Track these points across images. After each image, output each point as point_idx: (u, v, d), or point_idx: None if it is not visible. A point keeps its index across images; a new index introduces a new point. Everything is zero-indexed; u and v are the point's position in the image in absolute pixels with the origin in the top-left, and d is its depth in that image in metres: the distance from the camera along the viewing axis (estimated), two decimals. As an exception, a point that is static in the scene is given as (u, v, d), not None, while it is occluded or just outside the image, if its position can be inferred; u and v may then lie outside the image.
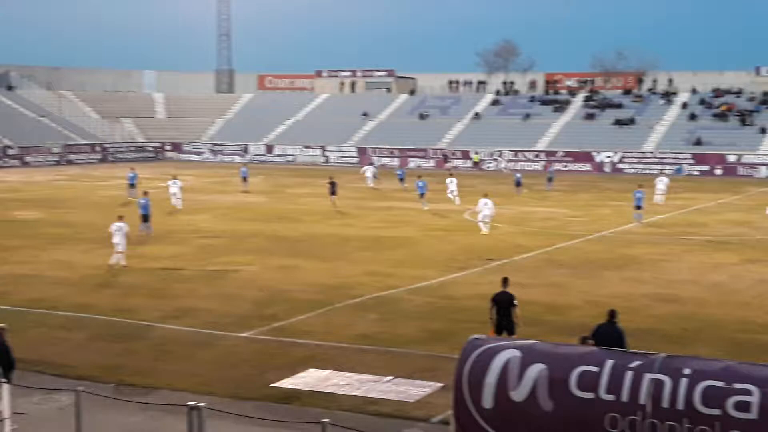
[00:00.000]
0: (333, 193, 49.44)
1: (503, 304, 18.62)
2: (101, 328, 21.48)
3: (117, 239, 29.69)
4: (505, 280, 19.31)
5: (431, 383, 17.13)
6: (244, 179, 59.90)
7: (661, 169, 70.15)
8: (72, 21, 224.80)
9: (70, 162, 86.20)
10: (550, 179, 62.83)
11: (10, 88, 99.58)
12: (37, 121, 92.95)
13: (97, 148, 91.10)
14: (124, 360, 18.85)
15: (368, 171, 62.80)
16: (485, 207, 38.77)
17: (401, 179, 61.19)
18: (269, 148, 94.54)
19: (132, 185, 52.45)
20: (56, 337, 20.62)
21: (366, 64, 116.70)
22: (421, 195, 49.79)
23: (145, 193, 39.05)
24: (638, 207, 43.14)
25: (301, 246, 34.34)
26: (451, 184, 50.79)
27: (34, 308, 23.34)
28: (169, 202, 47.27)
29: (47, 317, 22.49)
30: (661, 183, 53.09)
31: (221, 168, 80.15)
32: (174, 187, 48.13)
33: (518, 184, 59.37)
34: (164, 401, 15.47)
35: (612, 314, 15.78)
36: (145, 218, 37.15)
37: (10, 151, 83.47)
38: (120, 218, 30.57)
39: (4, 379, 13.26)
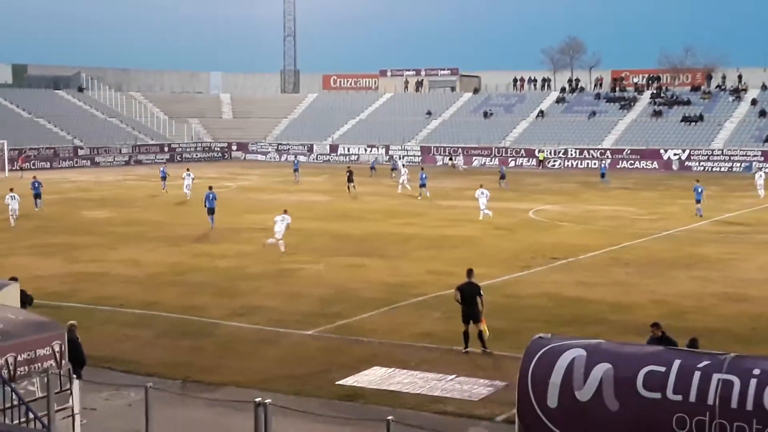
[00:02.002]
0: (350, 180, 54.97)
1: (468, 295, 19.40)
2: (168, 326, 21.81)
3: (278, 227, 32.52)
4: (469, 272, 20.03)
5: (495, 382, 17.06)
6: (296, 171, 62.86)
7: (760, 167, 68.15)
8: (141, 24, 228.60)
9: (138, 162, 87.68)
10: (502, 177, 62.00)
11: (80, 89, 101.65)
12: (106, 121, 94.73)
13: (165, 149, 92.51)
14: (190, 357, 19.11)
15: (404, 174, 58.47)
16: (482, 195, 41.99)
17: (423, 185, 53.66)
18: (333, 148, 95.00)
19: (164, 178, 57.72)
20: (125, 334, 20.99)
21: (430, 63, 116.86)
22: (422, 186, 53.11)
23: (210, 188, 40.76)
24: (698, 201, 43.50)
25: (365, 244, 34.44)
26: (482, 196, 43.17)
27: (103, 306, 23.78)
28: (186, 193, 51.46)
29: (116, 314, 22.91)
30: (761, 178, 54.11)
31: (286, 167, 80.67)
32: (188, 179, 51.90)
33: (503, 176, 61.36)
34: (230, 398, 15.64)
35: None
36: (211, 211, 39.01)
37: (81, 152, 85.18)
38: (285, 211, 33.85)
39: (74, 376, 13.52)
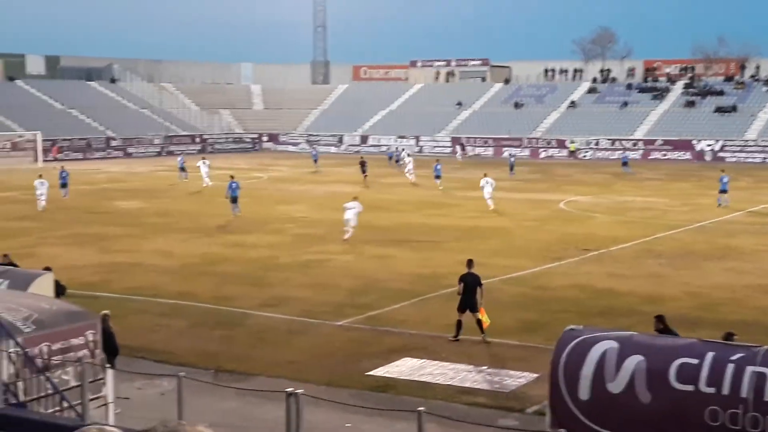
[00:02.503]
0: (363, 172, 56.81)
1: (469, 284, 19.73)
2: (201, 316, 21.95)
3: (348, 215, 33.19)
4: (470, 262, 20.43)
5: (526, 374, 17.03)
6: (315, 161, 63.80)
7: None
8: (173, 16, 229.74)
9: (170, 153, 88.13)
10: (511, 167, 62.70)
11: (113, 80, 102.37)
12: (139, 112, 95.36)
13: (197, 139, 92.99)
14: (222, 347, 19.23)
15: (410, 164, 58.86)
16: (487, 184, 41.83)
17: (438, 176, 53.73)
18: (364, 139, 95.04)
19: (182, 168, 58.79)
20: (158, 324, 21.15)
21: (461, 53, 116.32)
22: (437, 177, 53.54)
23: (232, 177, 41.65)
24: (723, 191, 43.52)
25: (395, 235, 34.44)
26: (487, 185, 43.52)
27: (136, 296, 23.97)
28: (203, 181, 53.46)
29: (149, 304, 23.08)
30: None
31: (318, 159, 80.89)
32: (204, 167, 53.95)
33: (512, 167, 62.23)
34: (261, 388, 15.72)
35: None
36: (235, 200, 40.03)
37: (114, 143, 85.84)
38: (354, 198, 34.35)
39: (108, 365, 13.65)
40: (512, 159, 64.51)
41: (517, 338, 19.68)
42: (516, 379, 16.87)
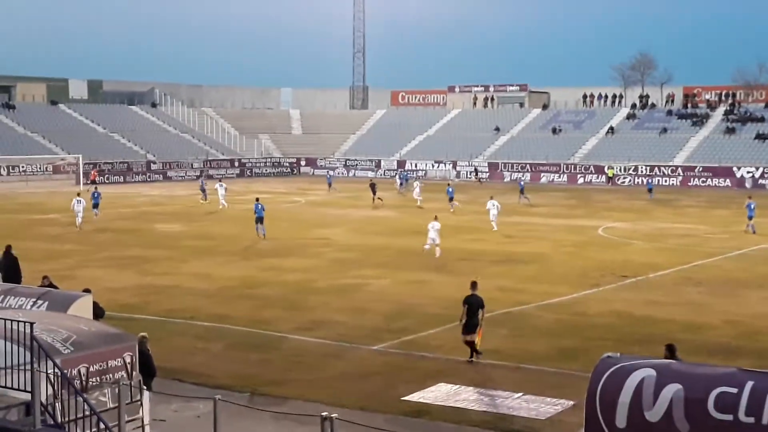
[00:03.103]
0: (374, 193, 58.66)
1: (474, 306, 20.07)
2: (238, 339, 22.04)
3: (432, 234, 35.41)
4: (474, 284, 20.76)
5: (562, 401, 16.90)
6: (329, 185, 64.55)
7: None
8: (213, 41, 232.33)
9: (209, 177, 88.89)
10: (522, 191, 62.01)
11: (154, 105, 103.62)
12: (179, 137, 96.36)
13: (236, 163, 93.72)
14: (258, 370, 19.28)
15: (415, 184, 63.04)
16: (493, 207, 42.01)
17: (451, 198, 55.73)
18: (401, 163, 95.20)
19: (203, 190, 60.61)
20: (195, 347, 21.26)
21: (499, 79, 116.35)
22: (451, 199, 55.52)
23: (257, 199, 43.02)
24: (750, 218, 43.99)
25: (431, 260, 34.39)
26: (493, 208, 44.70)
27: (174, 318, 24.14)
28: (220, 202, 55.54)
29: (186, 327, 23.23)
30: None
31: (354, 183, 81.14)
32: (221, 189, 56.20)
33: (522, 191, 61.37)
34: (297, 411, 15.74)
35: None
36: (260, 220, 41.30)
37: (154, 166, 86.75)
38: (435, 218, 36.97)
39: (144, 387, 13.74)
40: (522, 184, 64.33)
41: (554, 365, 19.54)
42: (552, 406, 16.74)
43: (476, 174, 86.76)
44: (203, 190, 61.07)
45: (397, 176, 77.43)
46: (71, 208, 45.59)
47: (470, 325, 19.97)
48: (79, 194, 47.54)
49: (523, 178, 73.97)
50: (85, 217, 45.68)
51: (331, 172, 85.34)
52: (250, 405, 16.16)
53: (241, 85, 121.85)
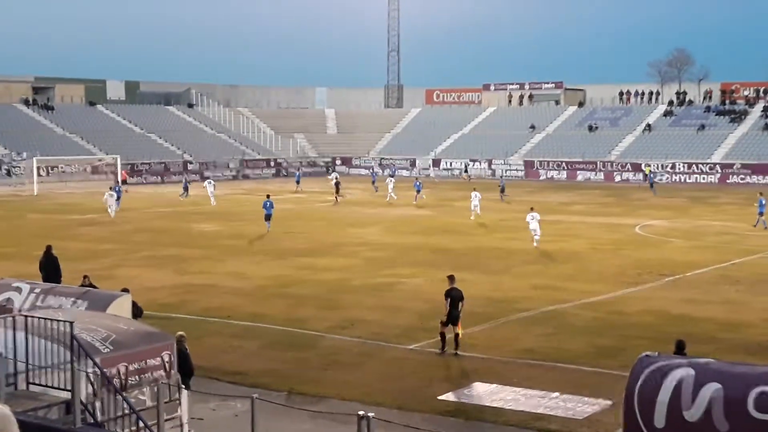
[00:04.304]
0: (337, 191, 60.44)
1: (455, 299, 20.53)
2: (274, 337, 22.14)
3: (533, 225, 37.36)
4: (451, 278, 21.31)
5: (600, 400, 16.80)
6: (336, 185, 64.06)
7: None
8: (249, 41, 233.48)
9: (245, 176, 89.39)
10: (502, 190, 62.58)
11: (190, 105, 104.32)
12: (215, 137, 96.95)
13: (271, 163, 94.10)
14: (295, 369, 19.36)
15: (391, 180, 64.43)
16: (532, 220, 38.79)
17: (418, 191, 60.21)
18: (436, 162, 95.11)
19: (118, 198, 57.05)
20: (231, 346, 21.39)
21: (534, 76, 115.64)
22: (418, 191, 59.57)
23: (268, 196, 44.40)
24: (761, 213, 44.33)
25: (466, 259, 34.33)
26: (475, 198, 49.58)
27: (211, 317, 24.30)
28: (210, 201, 57.89)
29: (223, 326, 23.37)
30: None
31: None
32: (210, 187, 59.11)
33: (503, 190, 62.16)
34: (333, 410, 15.78)
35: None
36: (268, 218, 42.94)
37: (191, 166, 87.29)
38: (532, 209, 38.95)
39: (183, 386, 13.84)
40: (503, 182, 64.91)
41: (591, 364, 19.43)
42: (590, 405, 16.65)
43: (465, 171, 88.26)
44: (186, 188, 63.82)
45: (377, 173, 78.63)
46: (103, 201, 50.65)
47: (452, 317, 20.47)
48: (111, 188, 54.28)
49: (503, 176, 75.27)
50: (125, 216, 46.15)
51: (335, 174, 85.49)
52: (287, 404, 16.23)
53: (277, 84, 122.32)
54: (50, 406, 12.07)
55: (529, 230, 38.63)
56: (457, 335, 20.40)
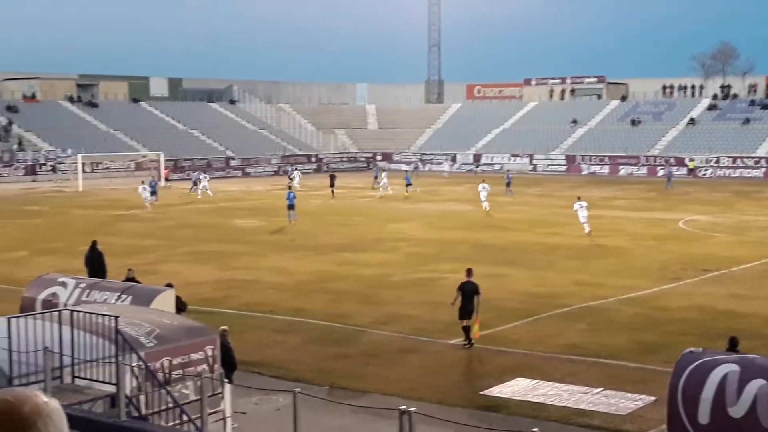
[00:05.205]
0: (332, 185, 61.54)
1: (468, 292, 20.60)
2: (315, 332, 22.24)
3: (582, 213, 39.02)
4: (469, 271, 21.46)
5: (643, 396, 16.67)
6: (376, 178, 66.18)
7: None
8: (290, 38, 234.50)
9: (286, 172, 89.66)
10: (508, 184, 62.02)
11: (232, 102, 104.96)
12: (257, 133, 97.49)
13: (312, 159, 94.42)
14: (336, 363, 19.43)
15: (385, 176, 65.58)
16: (581, 209, 40.04)
17: (408, 184, 62.68)
18: (477, 157, 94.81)
19: (153, 192, 57.28)
20: (273, 340, 21.52)
21: (576, 70, 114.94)
22: (408, 184, 61.83)
23: (289, 188, 47.64)
24: None
25: (507, 254, 34.21)
26: (483, 190, 50.67)
27: (253, 312, 24.45)
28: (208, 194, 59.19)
29: (265, 321, 23.51)
30: None
31: (429, 177, 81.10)
32: (204, 181, 61.51)
33: (508, 184, 61.59)
34: (375, 405, 15.82)
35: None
36: (291, 207, 44.87)
37: (233, 162, 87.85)
38: (579, 198, 40.47)
39: (226, 380, 13.96)
40: (510, 176, 64.64)
41: (634, 360, 19.29)
42: (633, 401, 16.53)
43: (452, 164, 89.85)
44: (195, 182, 64.92)
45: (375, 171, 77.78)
46: (139, 194, 53.52)
47: (465, 311, 20.51)
48: (143, 182, 55.76)
49: (510, 170, 74.59)
50: (167, 213, 46.60)
51: (379, 165, 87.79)
52: (329, 398, 16.31)
53: (318, 81, 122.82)
54: (95, 400, 12.23)
55: (579, 220, 39.51)
56: (468, 328, 20.50)
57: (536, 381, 17.85)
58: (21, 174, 76.35)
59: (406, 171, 71.20)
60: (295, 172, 73.31)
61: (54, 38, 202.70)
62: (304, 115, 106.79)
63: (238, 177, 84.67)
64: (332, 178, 63.45)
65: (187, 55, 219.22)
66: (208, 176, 65.86)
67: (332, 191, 61.37)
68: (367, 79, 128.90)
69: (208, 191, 61.35)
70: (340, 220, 46.43)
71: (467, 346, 20.45)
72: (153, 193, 54.65)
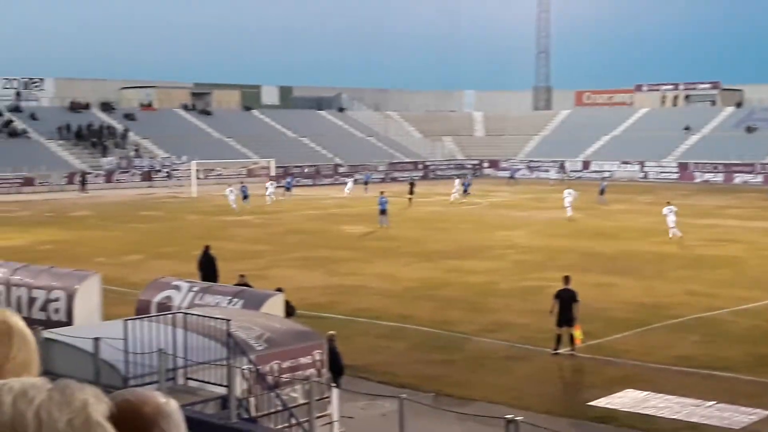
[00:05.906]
0: (411, 192, 60.85)
1: (566, 300, 20.51)
2: (421, 339, 22.28)
3: (671, 218, 39.75)
4: (566, 278, 21.41)
5: (758, 410, 16.19)
6: (411, 189, 62.08)
7: None
8: (398, 46, 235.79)
9: (394, 179, 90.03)
10: (602, 192, 60.59)
11: (341, 109, 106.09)
12: (365, 140, 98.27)
13: (419, 166, 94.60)
14: (442, 370, 19.44)
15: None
16: (670, 213, 40.76)
17: (465, 190, 64.16)
18: (586, 164, 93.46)
19: (245, 197, 58.68)
20: (380, 346, 21.65)
21: (689, 76, 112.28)
22: (465, 191, 63.84)
23: (382, 193, 48.63)
24: None
25: (617, 263, 33.63)
26: (569, 196, 51.18)
27: (360, 317, 24.65)
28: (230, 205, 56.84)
29: (371, 326, 23.67)
30: None
31: (537, 185, 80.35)
32: (231, 195, 57.82)
33: (602, 191, 60.69)
34: (481, 413, 15.76)
35: None
36: (383, 212, 46.54)
37: (341, 169, 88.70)
38: (668, 203, 41.25)
39: (333, 384, 14.12)
40: (604, 183, 63.14)
41: (750, 373, 18.73)
42: (747, 415, 16.06)
43: (562, 168, 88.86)
44: (246, 197, 58.93)
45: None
46: (225, 196, 56.55)
47: (563, 319, 20.39)
48: (230, 185, 59.49)
49: (606, 177, 73.69)
50: (277, 219, 47.36)
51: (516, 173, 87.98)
52: (435, 405, 16.32)
53: (425, 88, 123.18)
54: (207, 401, 12.54)
55: (668, 225, 40.01)
56: (572, 336, 20.40)
57: (646, 393, 17.50)
58: (138, 180, 78.82)
59: (382, 192, 58.95)
60: (349, 181, 74.02)
61: (170, 48, 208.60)
62: (411, 123, 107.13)
63: (346, 184, 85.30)
64: (411, 185, 62.84)
65: (298, 64, 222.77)
66: (275, 183, 66.41)
67: (410, 199, 59.77)
68: (475, 86, 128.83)
69: (234, 204, 56.75)
70: (447, 226, 46.42)
71: (555, 353, 20.37)
72: (245, 197, 56.73)
